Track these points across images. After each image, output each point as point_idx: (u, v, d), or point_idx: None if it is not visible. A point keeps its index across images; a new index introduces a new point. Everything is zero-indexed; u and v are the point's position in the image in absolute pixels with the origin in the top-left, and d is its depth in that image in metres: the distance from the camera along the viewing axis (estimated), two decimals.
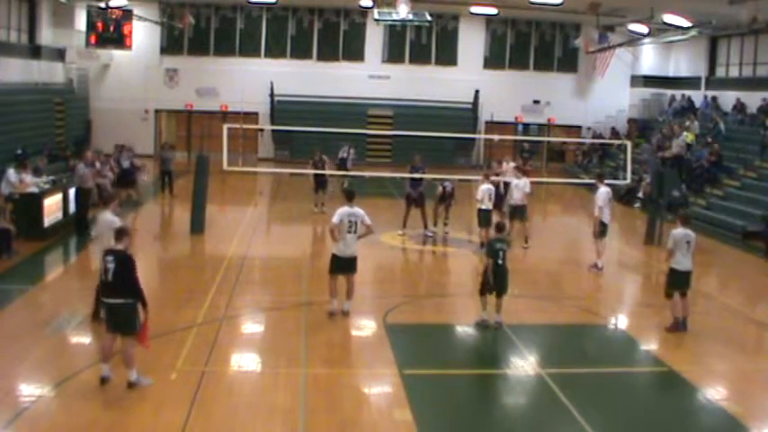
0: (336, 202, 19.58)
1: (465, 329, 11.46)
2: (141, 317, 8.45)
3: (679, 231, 11.20)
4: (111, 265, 8.31)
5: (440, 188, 17.61)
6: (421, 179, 17.62)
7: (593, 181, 16.84)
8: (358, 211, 11.21)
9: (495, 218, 16.01)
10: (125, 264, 8.36)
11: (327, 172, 20.45)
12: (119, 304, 8.35)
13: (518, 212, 16.90)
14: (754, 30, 24.65)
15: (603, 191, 15.11)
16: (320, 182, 20.27)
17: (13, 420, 7.52)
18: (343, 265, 11.23)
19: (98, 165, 20.44)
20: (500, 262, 10.98)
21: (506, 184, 18.19)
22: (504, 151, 31.52)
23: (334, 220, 11.07)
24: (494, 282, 10.96)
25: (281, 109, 32.35)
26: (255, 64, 33.14)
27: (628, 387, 9.55)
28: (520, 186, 16.81)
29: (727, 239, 19.32)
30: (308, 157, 21.09)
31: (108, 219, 10.13)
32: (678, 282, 11.15)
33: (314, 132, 25.79)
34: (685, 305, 11.23)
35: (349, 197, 11.42)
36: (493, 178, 17.20)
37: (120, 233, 8.73)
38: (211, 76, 32.86)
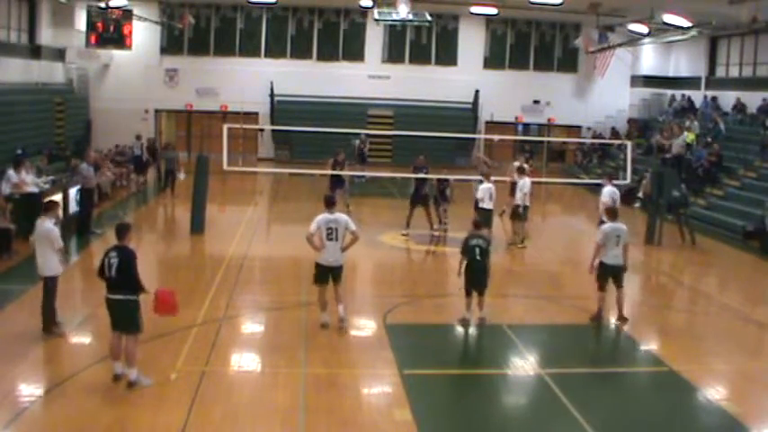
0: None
1: (465, 329, 11.45)
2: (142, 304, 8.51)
3: (608, 226, 11.48)
4: (115, 261, 8.36)
5: (434, 180, 17.63)
6: (425, 179, 17.61)
7: (592, 181, 16.91)
8: (340, 217, 10.62)
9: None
10: (127, 258, 8.41)
11: (346, 172, 20.29)
12: (120, 300, 8.39)
13: (517, 212, 16.95)
14: (754, 30, 24.65)
15: (606, 190, 15.25)
16: (338, 182, 19.89)
17: (13, 420, 7.52)
18: (327, 274, 10.67)
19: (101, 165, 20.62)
20: (478, 258, 11.05)
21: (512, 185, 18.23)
22: (504, 151, 31.59)
23: (311, 228, 10.50)
24: (471, 278, 11.08)
25: (281, 109, 32.35)
26: (255, 64, 33.13)
27: (628, 387, 9.55)
28: (520, 186, 16.89)
29: (727, 239, 19.32)
30: (330, 155, 20.37)
31: (46, 227, 9.91)
32: (606, 274, 11.37)
33: (314, 132, 25.86)
34: (620, 297, 11.48)
35: (328, 204, 10.74)
36: (494, 179, 17.25)
37: (124, 229, 8.74)
38: (211, 76, 32.85)
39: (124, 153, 25.40)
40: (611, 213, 11.92)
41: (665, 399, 8.98)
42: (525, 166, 19.09)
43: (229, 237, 16.89)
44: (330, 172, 19.73)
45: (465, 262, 11.16)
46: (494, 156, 28.92)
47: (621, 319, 11.51)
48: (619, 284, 11.49)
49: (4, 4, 25.11)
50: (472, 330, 11.33)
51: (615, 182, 17.39)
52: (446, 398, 8.96)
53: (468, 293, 11.17)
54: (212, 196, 18.57)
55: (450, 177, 18.31)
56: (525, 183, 17.01)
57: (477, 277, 11.16)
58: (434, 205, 17.74)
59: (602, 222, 14.97)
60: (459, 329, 11.32)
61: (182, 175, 22.94)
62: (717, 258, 17.82)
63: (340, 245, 10.56)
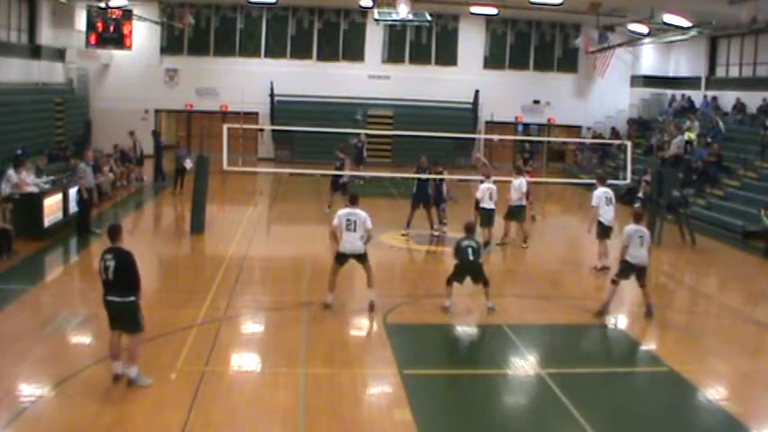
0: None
1: (465, 329, 11.49)
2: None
3: (631, 227, 11.79)
4: (111, 263, 8.32)
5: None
6: (427, 180, 17.59)
7: (593, 181, 16.88)
8: (360, 212, 11.42)
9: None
10: (125, 260, 8.37)
11: (347, 172, 20.26)
12: (119, 302, 8.38)
13: (514, 213, 16.88)
14: (754, 30, 24.66)
15: (597, 192, 15.13)
16: (337, 182, 19.80)
17: (13, 420, 7.52)
18: (345, 258, 11.56)
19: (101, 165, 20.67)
20: (471, 258, 11.52)
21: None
22: (504, 151, 31.59)
23: (334, 222, 11.47)
24: (463, 276, 11.67)
25: (281, 109, 32.36)
26: (255, 64, 33.15)
27: (628, 387, 9.55)
28: (516, 186, 16.79)
29: (727, 239, 19.33)
30: (331, 157, 20.71)
31: None
32: (627, 273, 11.74)
33: (314, 132, 25.87)
34: (645, 294, 11.88)
35: (352, 201, 11.76)
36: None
37: (116, 231, 8.68)
38: (211, 76, 32.87)
39: (126, 153, 25.48)
40: (636, 216, 12.18)
41: (665, 399, 8.98)
42: (520, 165, 19.04)
43: (229, 237, 16.89)
44: (334, 172, 19.71)
45: (457, 266, 11.70)
46: (494, 156, 28.95)
47: (648, 314, 11.75)
48: (642, 283, 11.82)
49: (4, 4, 25.10)
50: (472, 330, 11.41)
51: (612, 182, 17.30)
52: (446, 398, 8.95)
53: (449, 284, 11.68)
54: (212, 196, 18.57)
55: (446, 177, 18.16)
56: (522, 182, 16.93)
57: (477, 275, 11.65)
58: (434, 205, 17.72)
59: (601, 226, 15.01)
60: (460, 329, 11.36)
61: (188, 164, 23.06)
62: (717, 258, 17.82)
63: (359, 235, 11.33)
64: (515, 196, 16.76)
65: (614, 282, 11.82)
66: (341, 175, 19.83)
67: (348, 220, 11.33)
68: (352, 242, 11.35)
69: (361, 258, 11.58)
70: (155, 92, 32.61)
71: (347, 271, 11.99)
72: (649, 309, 11.78)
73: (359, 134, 26.84)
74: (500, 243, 16.82)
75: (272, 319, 11.46)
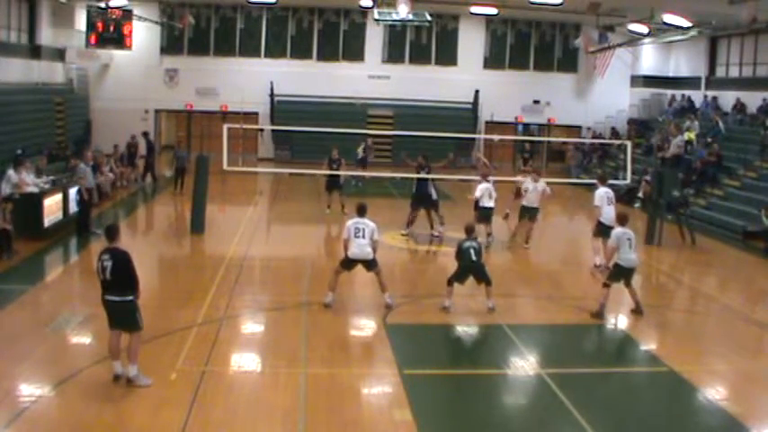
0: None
1: (465, 329, 11.48)
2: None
3: (618, 230, 11.94)
4: (108, 263, 8.32)
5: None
6: (426, 179, 17.56)
7: (591, 181, 16.91)
8: (368, 222, 11.66)
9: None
10: (123, 260, 8.37)
11: (344, 172, 20.23)
12: (117, 302, 8.39)
13: (529, 212, 16.92)
14: (754, 30, 24.66)
15: (599, 192, 15.26)
16: (333, 183, 19.95)
17: (13, 420, 7.52)
18: (353, 263, 11.70)
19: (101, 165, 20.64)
20: (474, 259, 11.60)
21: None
22: (504, 151, 31.57)
23: (344, 235, 11.78)
24: (465, 277, 11.78)
25: (281, 109, 32.36)
26: (255, 64, 33.16)
27: (628, 387, 9.55)
28: (539, 189, 16.80)
29: (727, 239, 19.33)
30: (324, 156, 20.82)
31: None
32: (619, 276, 11.88)
33: (314, 132, 25.86)
34: (633, 292, 12.01)
35: (360, 212, 11.84)
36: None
37: (114, 231, 8.69)
38: (211, 76, 32.88)
39: (124, 154, 25.45)
40: (621, 218, 12.31)
41: (665, 399, 8.98)
42: (537, 169, 19.12)
43: (229, 237, 16.89)
44: (328, 172, 19.73)
45: (459, 266, 11.79)
46: (494, 156, 28.94)
47: (638, 311, 11.92)
48: (628, 283, 11.94)
49: (4, 4, 25.12)
50: (472, 330, 11.41)
51: (612, 182, 17.34)
52: (446, 398, 8.95)
53: (450, 284, 11.76)
54: (212, 196, 18.56)
55: (430, 176, 17.99)
56: (545, 187, 16.95)
57: (480, 275, 11.75)
58: (432, 206, 17.67)
59: (601, 225, 15.03)
60: (460, 329, 11.36)
61: (167, 173, 22.99)
62: (717, 258, 17.82)
63: (367, 242, 11.56)
64: (533, 197, 16.79)
65: (606, 285, 11.86)
66: (336, 177, 19.84)
67: (357, 228, 11.57)
68: (360, 247, 11.51)
69: (371, 265, 11.69)
70: (155, 92, 32.62)
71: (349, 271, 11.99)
72: (638, 306, 11.96)
73: (366, 139, 26.73)
74: (509, 243, 16.95)
75: (272, 319, 11.46)
